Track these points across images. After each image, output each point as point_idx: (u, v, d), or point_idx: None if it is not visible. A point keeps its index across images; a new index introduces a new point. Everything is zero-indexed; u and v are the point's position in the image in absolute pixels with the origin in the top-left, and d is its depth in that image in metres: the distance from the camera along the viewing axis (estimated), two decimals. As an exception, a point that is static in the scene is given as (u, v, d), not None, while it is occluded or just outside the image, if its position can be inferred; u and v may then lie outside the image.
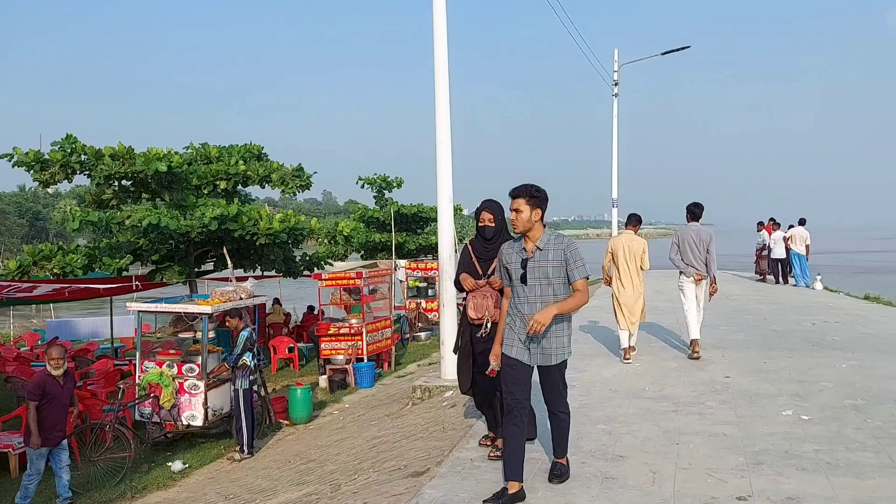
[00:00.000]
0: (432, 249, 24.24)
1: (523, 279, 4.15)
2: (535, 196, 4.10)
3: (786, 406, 6.08)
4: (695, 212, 8.67)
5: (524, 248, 4.17)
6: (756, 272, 21.72)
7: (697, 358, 8.37)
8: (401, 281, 19.65)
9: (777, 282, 19.93)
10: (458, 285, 5.04)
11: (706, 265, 8.51)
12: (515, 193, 4.13)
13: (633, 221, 8.87)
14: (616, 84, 24.02)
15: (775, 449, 4.94)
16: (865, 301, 16.07)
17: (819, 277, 18.88)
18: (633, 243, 8.41)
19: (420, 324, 18.26)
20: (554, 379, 4.34)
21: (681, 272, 8.66)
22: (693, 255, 8.51)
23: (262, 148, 16.88)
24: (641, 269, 8.43)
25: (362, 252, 25.26)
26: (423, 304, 18.99)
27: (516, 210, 4.10)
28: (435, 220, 25.69)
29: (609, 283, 8.78)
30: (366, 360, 12.96)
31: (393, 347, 14.77)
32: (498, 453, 4.74)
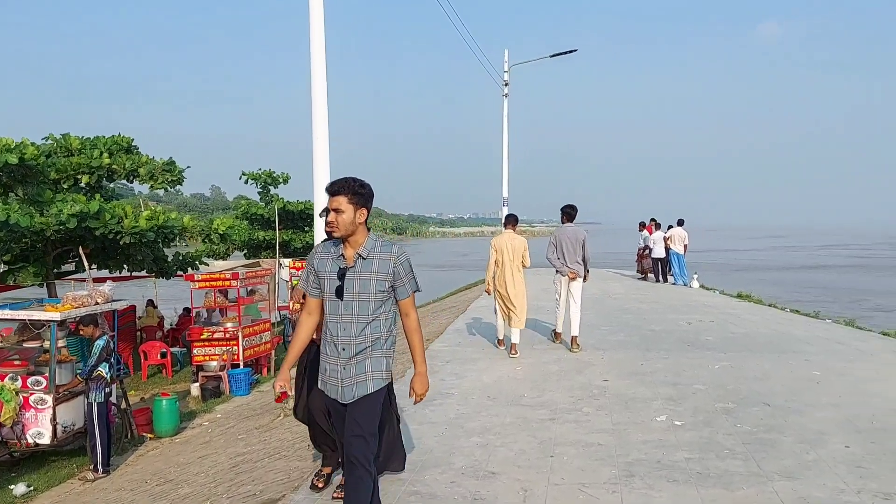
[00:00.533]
0: (320, 248, 23.61)
1: (339, 293, 3.37)
2: (359, 193, 3.33)
3: (660, 411, 6.03)
4: (569, 213, 9.22)
5: (343, 256, 3.38)
6: (637, 271, 22.37)
7: (570, 348, 9.07)
8: (285, 281, 18.91)
9: (657, 280, 20.58)
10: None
11: (583, 263, 9.19)
12: (335, 190, 3.32)
13: (512, 221, 9.18)
14: (506, 84, 24.13)
15: (648, 459, 4.82)
16: (738, 299, 16.77)
17: (696, 276, 19.64)
18: (516, 242, 8.78)
19: (305, 325, 17.61)
20: (361, 411, 3.36)
21: (557, 270, 9.23)
22: (569, 254, 9.10)
23: (132, 140, 15.73)
24: (523, 265, 8.81)
25: (245, 251, 24.24)
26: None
27: (336, 210, 3.29)
28: (323, 217, 25.04)
29: (490, 292, 9.00)
30: (241, 366, 12.27)
31: (273, 351, 14.12)
32: (341, 494, 4.16)
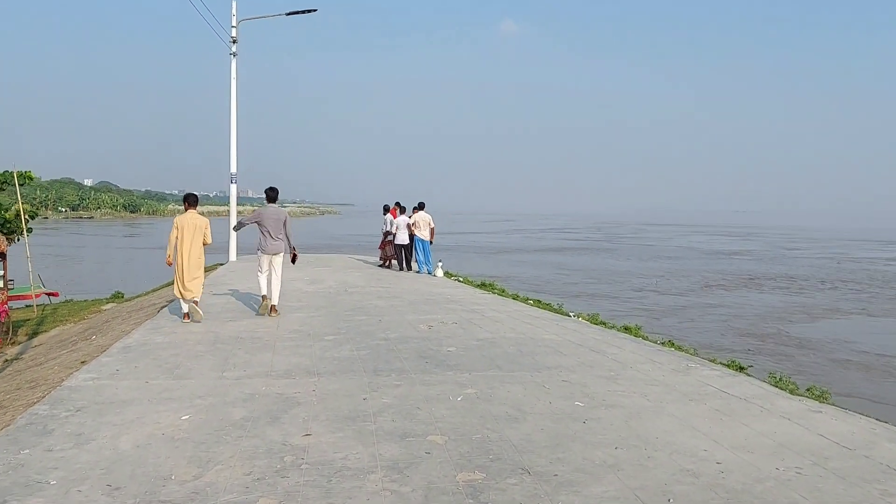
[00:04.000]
0: (-11, 227, 18.62)
1: None
2: None
3: (374, 498, 3.91)
4: (270, 195, 10.56)
5: None
6: (380, 258, 20.70)
7: (269, 314, 10.39)
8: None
9: (401, 268, 19.07)
10: None
11: (286, 239, 10.45)
12: None
13: (192, 201, 10.04)
14: (234, 41, 20.91)
15: None
16: (482, 290, 15.64)
17: (440, 264, 18.40)
18: (198, 221, 9.87)
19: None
20: None
21: (258, 248, 10.49)
22: (272, 232, 10.29)
23: None
24: (206, 243, 9.93)
25: None
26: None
27: None
28: (-3, 189, 19.91)
29: (171, 263, 9.91)
30: None
31: None
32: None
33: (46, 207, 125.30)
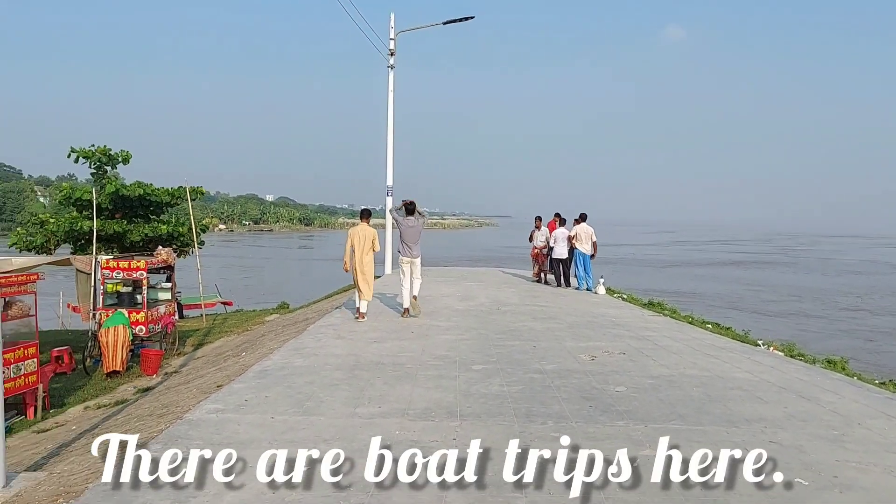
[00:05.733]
0: (163, 241, 19.54)
1: None
2: None
3: None
4: (408, 207, 11.32)
5: None
6: (534, 273, 19.54)
7: (414, 315, 11.59)
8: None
9: (559, 284, 17.79)
10: None
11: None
12: None
13: (366, 215, 11.49)
14: (392, 54, 20.69)
15: None
16: (650, 311, 14.01)
17: (602, 280, 16.94)
18: (367, 232, 11.08)
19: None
20: None
21: (401, 254, 11.53)
22: (411, 240, 11.43)
23: None
24: (374, 250, 11.11)
25: (74, 244, 19.89)
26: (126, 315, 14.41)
27: None
28: (171, 204, 20.94)
29: (347, 270, 11.14)
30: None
31: (41, 385, 10.35)
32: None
33: (232, 221, 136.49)
